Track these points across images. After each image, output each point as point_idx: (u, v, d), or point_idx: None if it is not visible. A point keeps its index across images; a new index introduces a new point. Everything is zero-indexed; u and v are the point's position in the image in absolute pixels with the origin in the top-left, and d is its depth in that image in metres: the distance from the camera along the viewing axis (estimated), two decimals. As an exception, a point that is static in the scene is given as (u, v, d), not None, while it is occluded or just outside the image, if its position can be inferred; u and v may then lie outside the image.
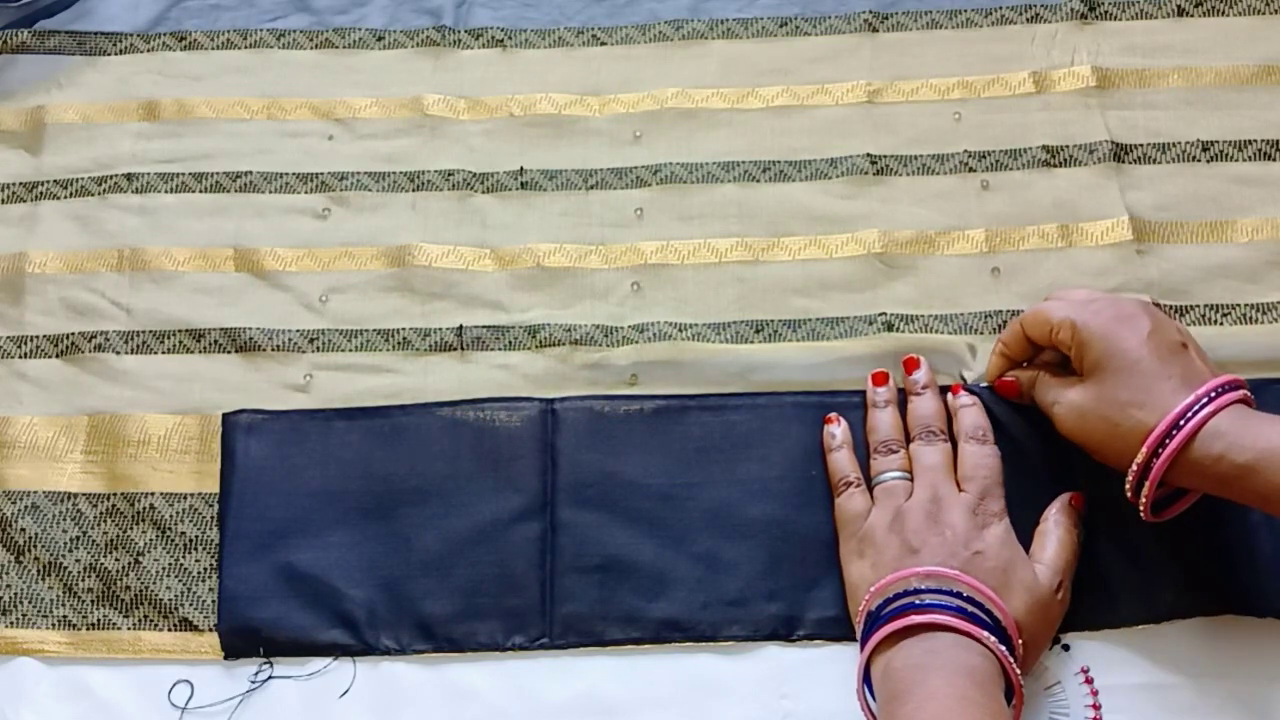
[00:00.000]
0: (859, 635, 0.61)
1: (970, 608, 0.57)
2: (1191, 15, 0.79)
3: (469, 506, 0.67)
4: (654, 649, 0.65)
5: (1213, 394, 0.58)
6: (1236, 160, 0.75)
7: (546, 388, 0.70)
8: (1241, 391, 0.59)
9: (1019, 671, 0.56)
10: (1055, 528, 0.63)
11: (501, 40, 0.81)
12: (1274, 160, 0.75)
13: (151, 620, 0.66)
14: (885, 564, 0.61)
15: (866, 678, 0.58)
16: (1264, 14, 0.79)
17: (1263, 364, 0.69)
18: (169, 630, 0.66)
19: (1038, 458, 0.66)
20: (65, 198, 0.77)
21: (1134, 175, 0.75)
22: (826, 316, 0.72)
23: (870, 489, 0.65)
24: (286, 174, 0.77)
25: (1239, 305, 0.71)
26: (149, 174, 0.77)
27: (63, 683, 0.65)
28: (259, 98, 0.79)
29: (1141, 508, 0.60)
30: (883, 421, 0.67)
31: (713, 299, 0.73)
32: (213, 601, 0.66)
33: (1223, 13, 0.79)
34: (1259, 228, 0.73)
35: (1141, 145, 0.76)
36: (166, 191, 0.77)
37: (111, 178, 0.77)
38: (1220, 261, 0.72)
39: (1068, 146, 0.76)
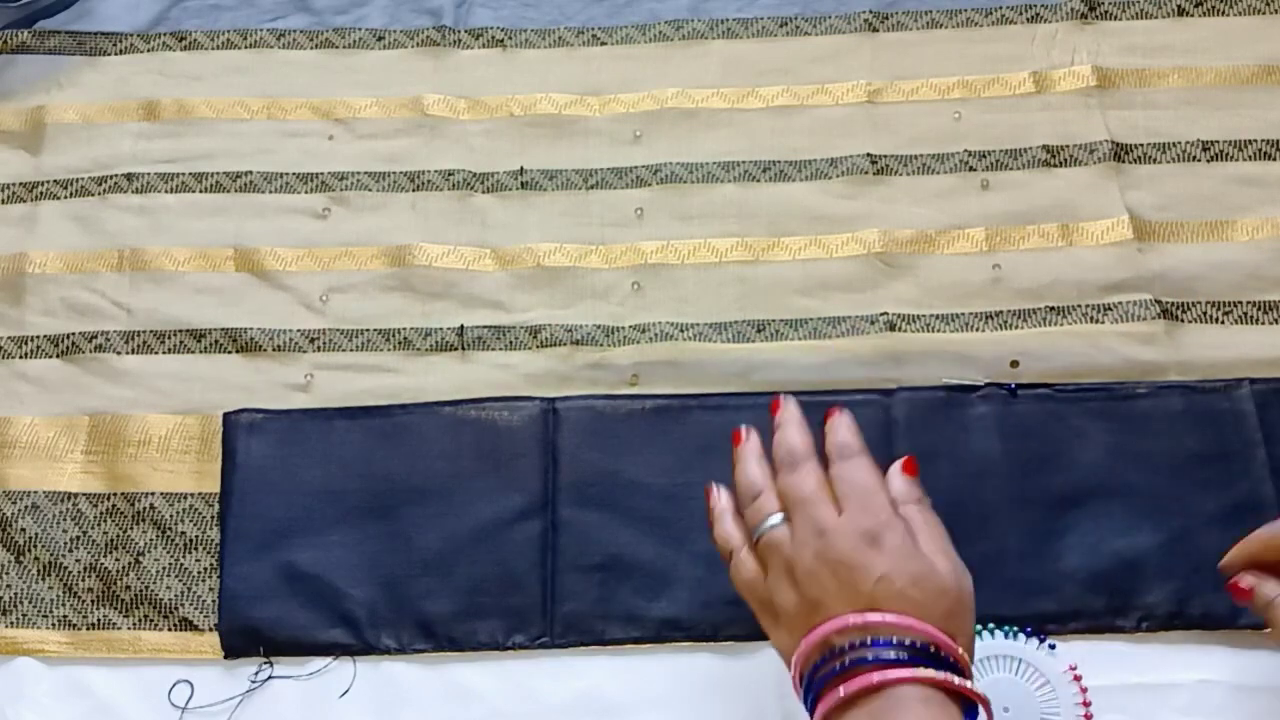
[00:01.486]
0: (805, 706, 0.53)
1: (897, 652, 0.50)
2: (1191, 15, 0.79)
3: (470, 506, 0.67)
4: (654, 648, 0.65)
5: None
6: (1236, 160, 0.75)
7: (547, 387, 0.70)
8: None
9: (974, 688, 0.50)
10: (908, 509, 0.55)
11: (501, 40, 0.81)
12: (1274, 160, 0.75)
13: (151, 620, 0.66)
14: (796, 626, 0.53)
15: None
16: (1264, 14, 0.79)
17: (1265, 363, 0.69)
18: (169, 630, 0.66)
19: (999, 464, 0.67)
20: (65, 198, 0.77)
21: (1134, 175, 0.75)
22: (827, 316, 0.72)
23: (754, 546, 0.56)
24: (286, 174, 0.77)
25: (1240, 303, 0.71)
26: (149, 174, 0.77)
27: (63, 683, 0.65)
28: (259, 98, 0.79)
29: None
30: (743, 473, 0.58)
31: (713, 299, 0.73)
32: (213, 601, 0.66)
33: (1223, 13, 0.79)
34: (1259, 227, 0.73)
35: (1141, 145, 0.76)
36: (166, 191, 0.77)
37: (111, 178, 0.77)
38: (1221, 261, 0.72)
39: (1068, 146, 0.76)
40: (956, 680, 0.49)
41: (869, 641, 0.50)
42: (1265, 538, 0.56)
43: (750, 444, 0.58)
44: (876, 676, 0.49)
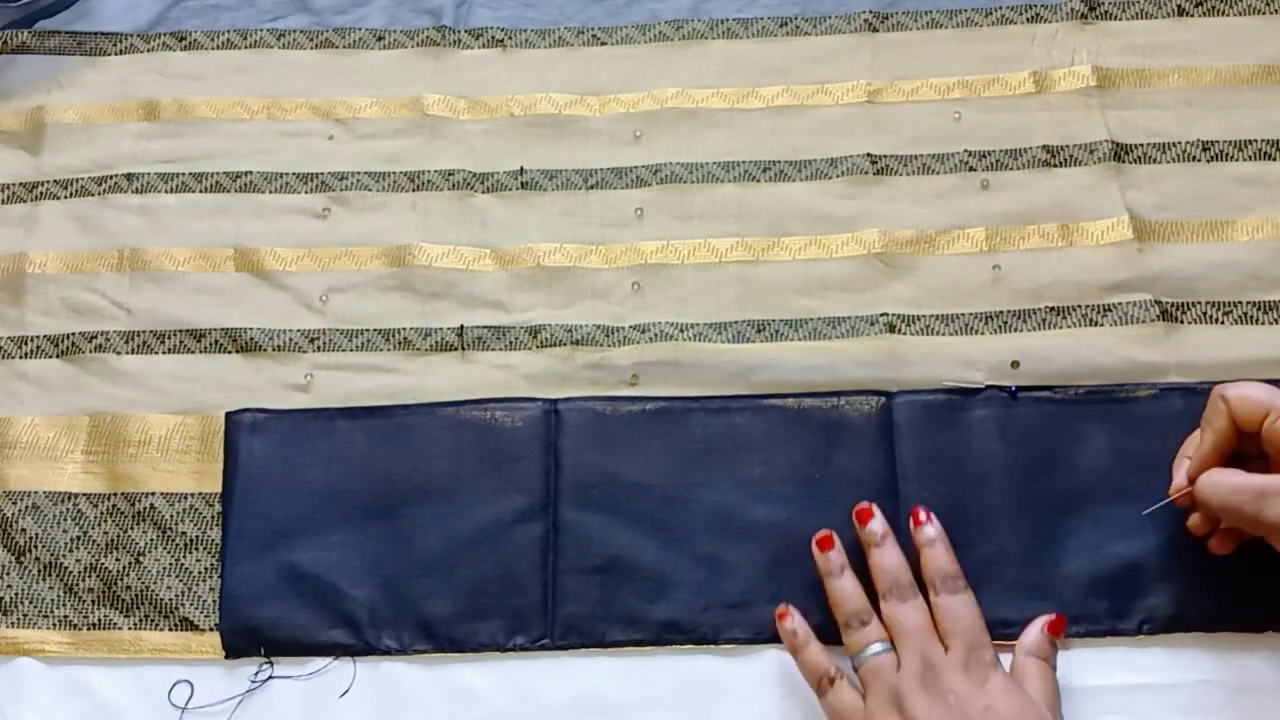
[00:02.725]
0: None
1: None
2: (1191, 15, 0.79)
3: (471, 506, 0.67)
4: (655, 649, 0.65)
5: None
6: (1236, 160, 0.75)
7: (547, 388, 0.70)
8: None
9: None
10: (1030, 660, 0.61)
11: (501, 40, 0.81)
12: (1274, 160, 0.75)
13: (152, 620, 0.66)
14: None
15: None
16: (1264, 14, 0.79)
17: (1266, 364, 0.69)
18: (170, 630, 0.66)
19: (1000, 468, 0.67)
20: (65, 198, 0.77)
21: (1134, 175, 0.75)
22: (828, 316, 0.72)
23: (854, 668, 0.61)
24: (286, 174, 0.77)
25: (1240, 304, 0.71)
26: (149, 174, 0.77)
27: (63, 683, 0.65)
28: (259, 98, 0.79)
29: None
30: (845, 592, 0.62)
31: (713, 299, 0.73)
32: (213, 601, 0.66)
33: (1223, 13, 0.79)
34: (1259, 227, 0.73)
35: (1141, 145, 0.76)
36: (166, 191, 0.77)
37: (111, 178, 0.77)
38: (1221, 261, 0.72)
39: (1068, 146, 0.76)
40: None
41: None
42: (1213, 436, 0.59)
43: (837, 559, 0.63)
44: None
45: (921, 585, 0.62)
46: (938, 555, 0.62)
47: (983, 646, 0.59)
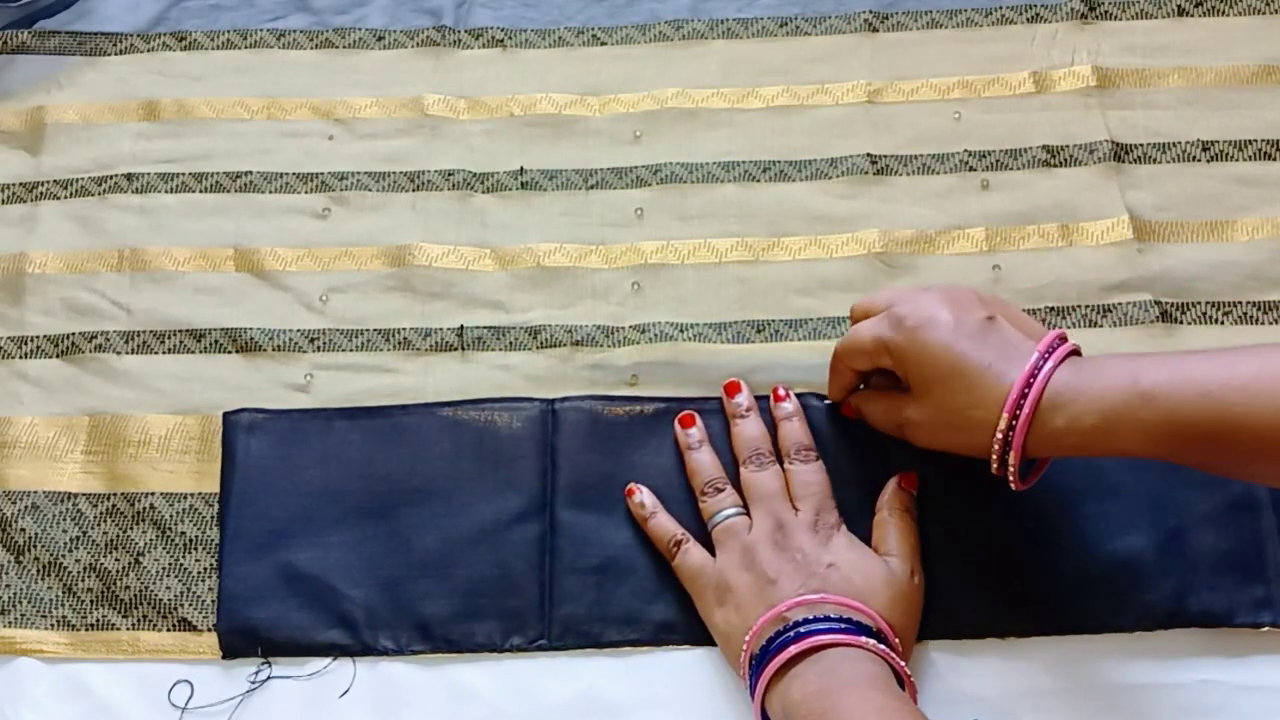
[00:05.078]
0: (747, 683, 0.60)
1: (844, 624, 0.57)
2: (1191, 15, 0.79)
3: (469, 507, 0.67)
4: (652, 649, 0.65)
5: (1035, 370, 0.56)
6: (1236, 160, 0.75)
7: (547, 388, 0.70)
8: (1065, 347, 0.57)
9: (905, 665, 0.57)
10: (891, 516, 0.64)
11: (501, 40, 0.81)
12: (1274, 160, 0.75)
13: (150, 620, 0.66)
14: (748, 603, 0.60)
15: (765, 718, 0.58)
16: (1264, 14, 0.79)
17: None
18: (168, 630, 0.66)
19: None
20: (65, 198, 0.77)
21: (1134, 175, 0.75)
22: (827, 316, 0.72)
23: (709, 531, 0.65)
24: (286, 174, 0.77)
25: (1240, 304, 0.71)
26: (149, 174, 0.77)
27: (63, 683, 0.65)
28: (259, 98, 0.79)
29: (1014, 486, 0.59)
30: (702, 462, 0.66)
31: (713, 299, 0.73)
32: (212, 601, 0.66)
33: (1223, 13, 0.79)
34: (1259, 227, 0.73)
35: (1141, 145, 0.76)
36: (166, 191, 0.77)
37: (111, 178, 0.77)
38: (1221, 261, 0.72)
39: (1068, 146, 0.76)
40: (893, 656, 0.57)
41: (817, 617, 0.58)
42: (836, 371, 0.66)
43: (696, 434, 0.67)
44: (826, 638, 0.56)
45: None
46: (794, 428, 0.67)
47: (829, 510, 0.64)
